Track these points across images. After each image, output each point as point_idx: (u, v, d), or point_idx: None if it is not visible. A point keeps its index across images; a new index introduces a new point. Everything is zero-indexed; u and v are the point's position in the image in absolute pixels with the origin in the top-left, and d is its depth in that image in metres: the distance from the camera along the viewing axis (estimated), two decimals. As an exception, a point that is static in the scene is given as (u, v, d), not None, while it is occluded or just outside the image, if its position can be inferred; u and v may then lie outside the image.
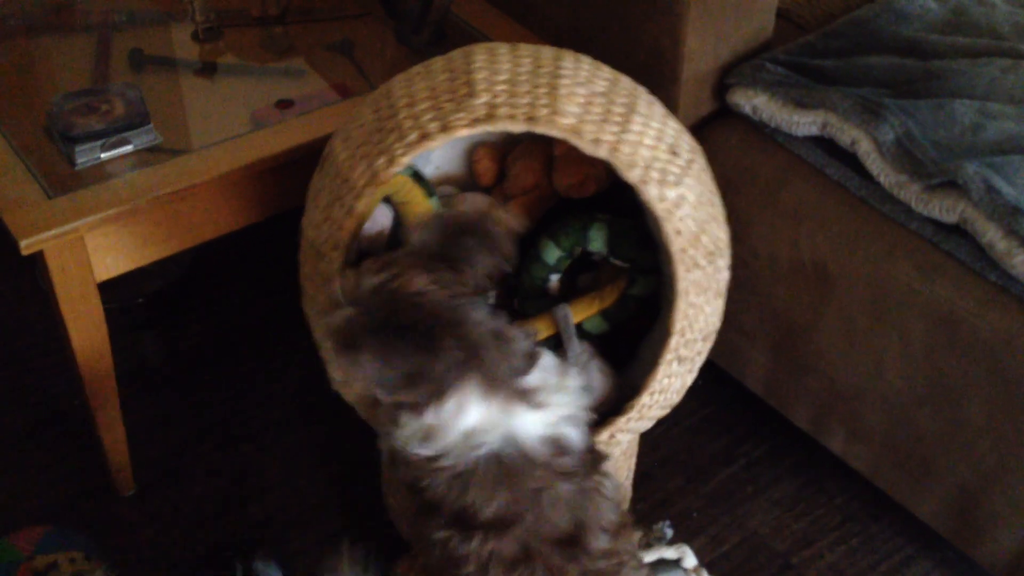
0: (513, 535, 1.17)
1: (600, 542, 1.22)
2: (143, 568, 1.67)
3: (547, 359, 1.21)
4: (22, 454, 1.82)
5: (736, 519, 1.76)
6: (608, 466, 1.27)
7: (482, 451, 1.15)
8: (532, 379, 1.17)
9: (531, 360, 1.18)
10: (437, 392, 1.12)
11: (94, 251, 1.48)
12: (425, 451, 1.16)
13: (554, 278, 1.47)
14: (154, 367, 1.99)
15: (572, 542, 1.20)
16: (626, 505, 1.73)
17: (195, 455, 1.83)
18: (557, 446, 1.19)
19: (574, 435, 1.20)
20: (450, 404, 1.13)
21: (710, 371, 1.74)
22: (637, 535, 1.31)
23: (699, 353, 1.43)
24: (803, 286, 1.61)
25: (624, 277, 1.43)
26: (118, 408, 1.65)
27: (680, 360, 1.38)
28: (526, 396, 1.16)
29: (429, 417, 1.14)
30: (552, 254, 1.43)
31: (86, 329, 1.54)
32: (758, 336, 1.72)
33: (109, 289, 1.55)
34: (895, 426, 1.57)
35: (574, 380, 1.24)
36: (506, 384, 1.15)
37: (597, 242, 1.40)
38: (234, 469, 1.81)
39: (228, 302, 2.11)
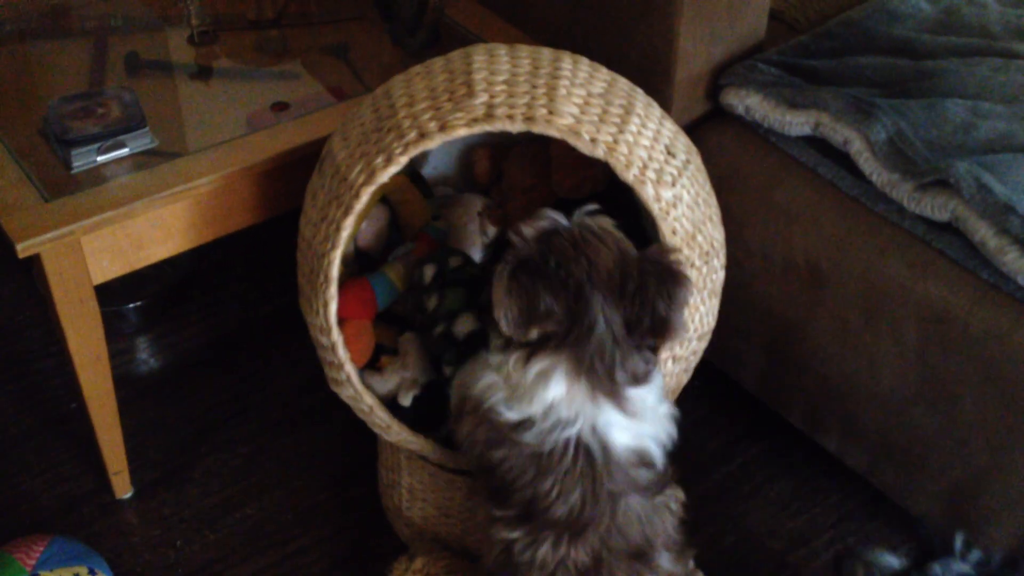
0: (587, 541, 1.16)
1: (664, 561, 1.22)
2: (141, 571, 1.67)
3: (656, 383, 1.21)
4: (20, 457, 1.82)
5: (732, 518, 1.76)
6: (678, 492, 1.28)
7: (568, 433, 1.14)
8: (632, 392, 1.16)
9: (638, 379, 1.17)
10: (529, 346, 1.14)
11: (91, 254, 1.48)
12: (509, 413, 1.16)
13: None
14: (151, 370, 2.00)
15: (640, 558, 1.20)
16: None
17: (192, 457, 1.83)
18: (640, 458, 1.18)
19: (657, 453, 1.20)
20: (535, 366, 1.13)
21: (706, 371, 1.74)
22: (693, 554, 1.31)
23: (694, 353, 1.43)
24: (797, 285, 1.61)
25: None
26: (115, 411, 1.65)
27: (675, 360, 1.39)
28: (620, 400, 1.15)
29: (512, 366, 1.14)
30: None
31: (83, 332, 1.54)
32: (753, 335, 1.72)
33: (106, 292, 1.55)
34: (889, 424, 1.58)
35: (668, 407, 1.23)
36: (600, 378, 1.13)
37: None
38: (232, 471, 1.81)
39: (225, 305, 2.11)
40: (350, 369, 1.37)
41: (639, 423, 1.18)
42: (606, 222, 1.19)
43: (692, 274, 1.34)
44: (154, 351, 2.02)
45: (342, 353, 1.36)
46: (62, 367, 1.93)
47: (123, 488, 1.75)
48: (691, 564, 1.58)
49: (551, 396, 1.14)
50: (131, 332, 2.04)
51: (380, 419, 1.41)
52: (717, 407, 1.92)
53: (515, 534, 1.19)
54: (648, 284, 1.15)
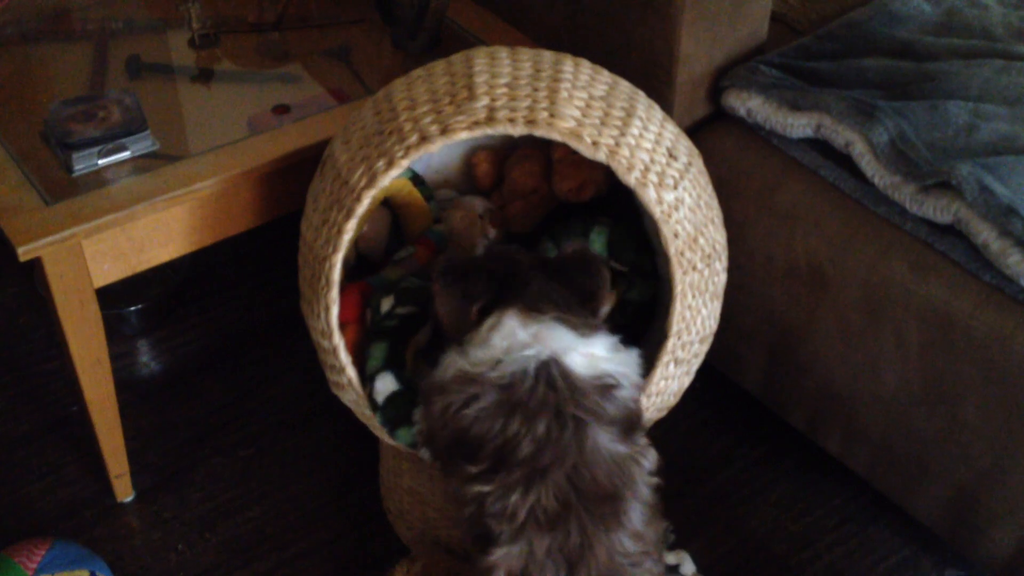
0: (554, 482, 1.16)
1: (635, 519, 1.21)
2: (142, 574, 1.67)
3: (612, 338, 1.26)
4: (21, 460, 1.82)
5: (734, 521, 1.76)
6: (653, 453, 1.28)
7: (528, 360, 1.17)
8: (590, 330, 1.22)
9: (592, 328, 1.22)
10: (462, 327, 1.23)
11: (92, 257, 1.48)
12: (470, 365, 1.20)
13: None
14: (152, 373, 2.00)
15: (611, 507, 1.19)
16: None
17: (194, 461, 1.83)
18: (603, 383, 1.19)
19: (624, 382, 1.21)
20: (486, 323, 1.21)
21: (707, 373, 1.74)
22: (664, 524, 1.30)
23: (696, 355, 1.43)
24: (799, 287, 1.61)
25: (622, 282, 1.44)
26: (116, 414, 1.65)
27: (677, 362, 1.39)
28: (574, 324, 1.20)
29: (467, 339, 1.23)
30: (552, 254, 1.44)
31: (84, 335, 1.54)
32: (754, 338, 1.72)
33: (107, 295, 1.55)
34: (891, 427, 1.58)
35: (633, 353, 1.27)
36: (550, 311, 1.20)
37: (598, 244, 1.41)
38: (233, 474, 1.81)
39: (226, 307, 2.11)
40: (351, 373, 1.37)
41: (596, 348, 1.21)
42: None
43: (694, 277, 1.34)
44: (155, 354, 2.02)
45: (343, 357, 1.36)
46: (63, 370, 1.93)
47: (124, 492, 1.75)
48: (693, 570, 1.58)
49: (506, 332, 1.19)
50: (132, 335, 2.04)
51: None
52: (719, 410, 1.92)
53: (487, 487, 1.18)
54: (567, 267, 1.26)
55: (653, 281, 1.42)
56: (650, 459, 1.24)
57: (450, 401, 1.21)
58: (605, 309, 1.25)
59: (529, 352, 1.18)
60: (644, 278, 1.41)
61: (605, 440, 1.19)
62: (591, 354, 1.20)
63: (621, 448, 1.20)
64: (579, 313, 1.23)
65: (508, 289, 1.23)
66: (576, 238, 1.41)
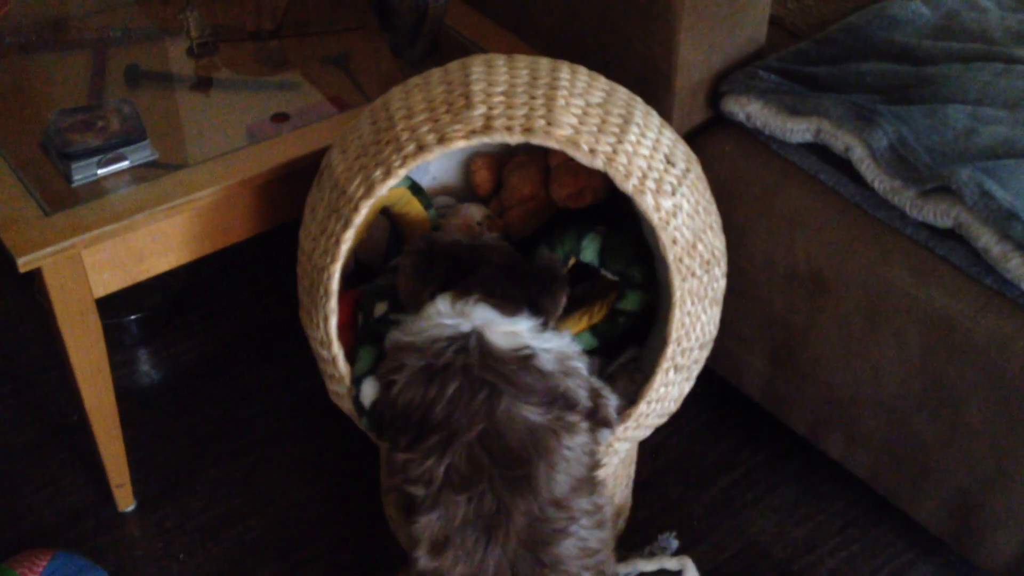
0: (464, 442, 1.21)
1: (552, 488, 1.23)
2: (144, 583, 1.67)
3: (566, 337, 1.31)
4: (22, 470, 1.82)
5: (737, 526, 1.76)
6: (606, 473, 1.30)
7: (448, 330, 1.23)
8: (524, 313, 1.27)
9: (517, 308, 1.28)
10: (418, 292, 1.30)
11: (92, 267, 1.48)
12: (404, 336, 1.27)
13: None
14: (152, 382, 2.00)
15: (522, 471, 1.22)
16: (626, 513, 1.73)
17: (194, 469, 1.83)
18: (521, 356, 1.23)
19: (545, 360, 1.25)
20: (428, 302, 1.28)
21: (708, 378, 1.74)
22: (604, 499, 1.33)
23: (696, 361, 1.43)
24: (799, 292, 1.61)
25: (614, 292, 1.44)
26: (117, 423, 1.65)
27: (677, 369, 1.39)
28: (503, 305, 1.25)
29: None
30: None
31: (84, 345, 1.54)
32: (755, 343, 1.72)
33: (106, 305, 1.55)
34: (893, 431, 1.58)
35: (569, 339, 1.31)
36: (483, 292, 1.26)
37: (589, 252, 1.41)
38: (234, 483, 1.81)
39: (225, 316, 2.11)
40: (350, 382, 1.37)
41: (518, 326, 1.25)
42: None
43: (693, 283, 1.34)
44: (155, 363, 2.02)
45: (342, 366, 1.36)
46: (63, 380, 1.93)
47: (125, 501, 1.75)
48: (694, 572, 1.59)
49: (437, 309, 1.26)
50: (132, 344, 2.04)
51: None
52: (720, 415, 1.92)
53: (409, 454, 1.24)
54: (530, 275, 1.31)
55: (645, 292, 1.42)
56: (579, 437, 1.27)
57: (385, 370, 1.28)
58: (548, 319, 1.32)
59: (450, 322, 1.24)
60: (634, 289, 1.41)
61: (520, 409, 1.23)
62: (512, 331, 1.25)
63: (538, 419, 1.23)
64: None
65: (465, 279, 1.29)
66: (570, 244, 1.41)
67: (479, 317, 1.24)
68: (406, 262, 1.31)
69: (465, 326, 1.24)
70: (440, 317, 1.25)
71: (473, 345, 1.23)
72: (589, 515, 1.28)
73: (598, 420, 1.31)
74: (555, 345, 1.27)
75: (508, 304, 1.26)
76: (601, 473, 1.33)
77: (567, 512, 1.25)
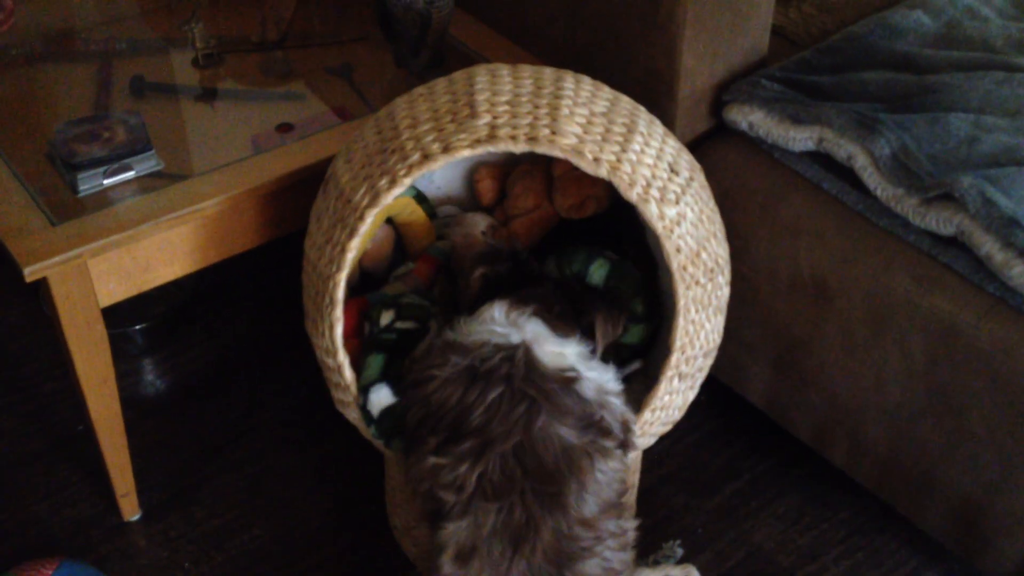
0: (499, 452, 1.21)
1: (582, 508, 1.24)
2: (149, 593, 1.67)
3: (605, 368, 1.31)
4: (28, 479, 1.82)
5: (741, 534, 1.76)
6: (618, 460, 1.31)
7: (498, 340, 1.24)
8: (571, 336, 1.29)
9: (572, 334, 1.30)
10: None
11: (97, 277, 1.49)
12: (452, 335, 1.28)
13: None
14: (157, 391, 2.00)
15: (553, 488, 1.22)
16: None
17: (199, 479, 1.83)
18: (565, 376, 1.25)
19: (586, 385, 1.26)
20: (480, 309, 1.29)
21: (713, 387, 1.74)
22: (632, 523, 1.34)
23: (700, 369, 1.43)
24: (803, 300, 1.61)
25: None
26: (123, 433, 1.65)
27: (681, 377, 1.39)
28: (554, 321, 1.27)
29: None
30: (552, 275, 1.45)
31: (90, 354, 1.54)
32: (759, 351, 1.72)
33: (112, 315, 1.56)
34: (897, 438, 1.58)
35: (612, 374, 1.32)
36: (536, 306, 1.27)
37: (596, 277, 1.41)
38: (239, 492, 1.81)
39: (230, 326, 2.11)
40: (356, 391, 1.37)
41: (568, 348, 1.27)
42: None
43: (697, 291, 1.34)
44: (160, 372, 2.03)
45: (348, 374, 1.36)
46: (69, 390, 1.94)
47: (131, 510, 1.76)
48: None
49: (491, 316, 1.27)
50: (137, 354, 2.04)
51: (387, 439, 1.41)
52: (724, 423, 1.92)
53: (442, 460, 1.23)
54: (592, 303, 1.33)
55: (647, 326, 1.43)
56: (612, 462, 1.28)
57: (425, 364, 1.28)
58: (598, 347, 1.32)
59: (501, 330, 1.25)
60: (636, 323, 1.42)
61: (557, 427, 1.23)
62: (560, 352, 1.26)
63: (574, 440, 1.24)
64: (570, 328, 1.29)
65: (527, 289, 1.31)
66: (579, 265, 1.42)
67: (531, 331, 1.26)
68: (474, 283, 1.34)
69: (515, 337, 1.25)
70: (493, 324, 1.26)
71: (520, 357, 1.24)
72: (615, 537, 1.29)
73: (626, 446, 1.32)
74: (597, 376, 1.29)
75: (562, 323, 1.28)
76: (629, 499, 1.34)
77: (594, 532, 1.26)
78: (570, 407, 1.24)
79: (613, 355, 1.43)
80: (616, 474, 1.28)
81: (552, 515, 1.22)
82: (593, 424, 1.26)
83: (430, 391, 1.26)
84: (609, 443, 1.28)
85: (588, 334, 1.31)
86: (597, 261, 1.41)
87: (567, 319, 1.29)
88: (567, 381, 1.25)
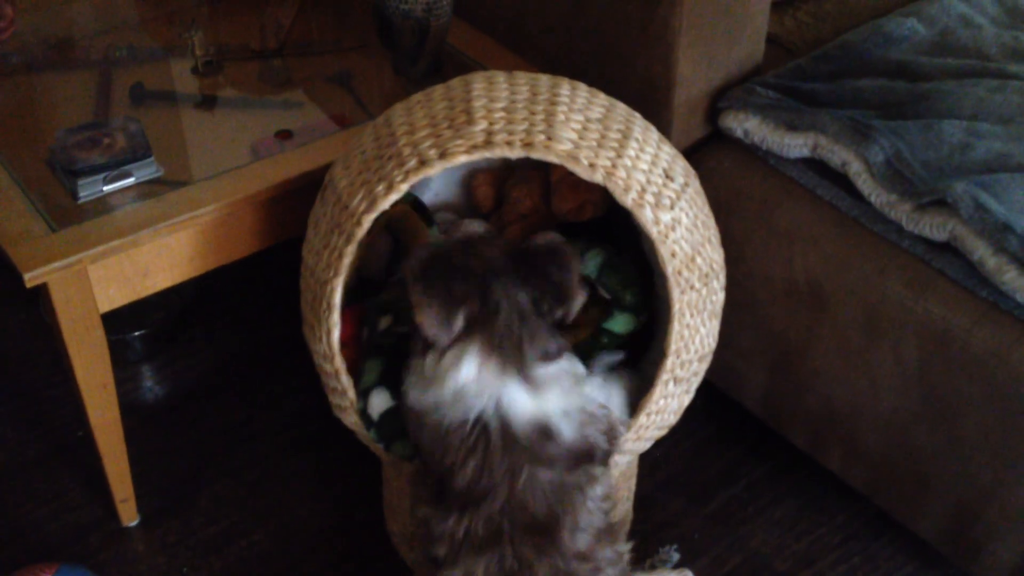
0: (485, 512, 1.20)
1: (576, 543, 1.24)
2: (148, 598, 1.67)
3: (569, 361, 1.26)
4: (27, 485, 1.83)
5: (737, 540, 1.76)
6: (605, 481, 1.29)
7: (469, 411, 1.20)
8: (542, 370, 1.22)
9: (548, 356, 1.23)
10: (446, 336, 1.21)
11: (97, 283, 1.49)
12: (424, 399, 1.23)
13: None
14: (156, 397, 2.01)
15: (545, 534, 1.22)
16: (627, 527, 1.73)
17: (198, 484, 1.83)
18: (543, 432, 1.22)
19: (565, 428, 1.23)
20: (448, 356, 1.20)
21: (709, 392, 1.75)
22: (626, 547, 1.33)
23: (695, 374, 1.44)
24: (798, 306, 1.62)
25: (604, 312, 1.45)
26: (122, 439, 1.66)
27: (676, 381, 1.40)
28: (527, 377, 1.21)
29: (429, 361, 1.22)
30: None
31: (90, 360, 1.55)
32: (755, 356, 1.73)
33: (111, 321, 1.56)
34: (891, 444, 1.58)
35: (598, 391, 1.30)
36: (508, 355, 1.20)
37: (591, 265, 1.42)
38: (237, 498, 1.81)
39: (229, 332, 2.12)
40: (353, 396, 1.38)
41: (543, 397, 1.22)
42: (477, 227, 1.31)
43: (692, 295, 1.35)
44: (159, 379, 2.03)
45: (345, 379, 1.37)
46: (68, 396, 1.94)
47: (129, 516, 1.76)
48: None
49: (462, 378, 1.20)
50: (136, 360, 2.05)
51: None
52: (720, 428, 1.93)
53: (431, 510, 1.24)
54: (538, 259, 1.24)
55: (634, 318, 1.43)
56: (600, 487, 1.27)
57: (412, 431, 1.27)
58: (576, 303, 1.25)
59: (474, 406, 1.21)
60: (622, 310, 1.42)
61: (544, 476, 1.22)
62: (537, 407, 1.22)
63: (563, 478, 1.23)
64: (545, 336, 1.23)
65: (481, 300, 1.22)
66: None
67: (505, 393, 1.21)
68: (415, 293, 1.21)
69: (489, 404, 1.21)
70: (464, 388, 1.20)
71: (494, 428, 1.20)
72: (613, 564, 1.28)
73: (610, 454, 1.31)
74: (576, 406, 1.25)
75: (537, 343, 1.22)
76: (616, 516, 1.33)
77: (592, 563, 1.25)
78: (554, 454, 1.22)
79: (594, 340, 1.44)
80: (602, 496, 1.28)
81: (547, 556, 1.22)
82: (580, 457, 1.25)
83: (420, 448, 1.25)
84: (597, 469, 1.27)
85: (555, 297, 1.24)
86: (593, 250, 1.42)
87: (536, 333, 1.22)
88: (545, 437, 1.22)
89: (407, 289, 1.22)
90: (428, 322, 1.20)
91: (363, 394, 1.37)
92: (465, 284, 1.21)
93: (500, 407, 1.20)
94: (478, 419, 1.20)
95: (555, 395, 1.23)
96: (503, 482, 1.21)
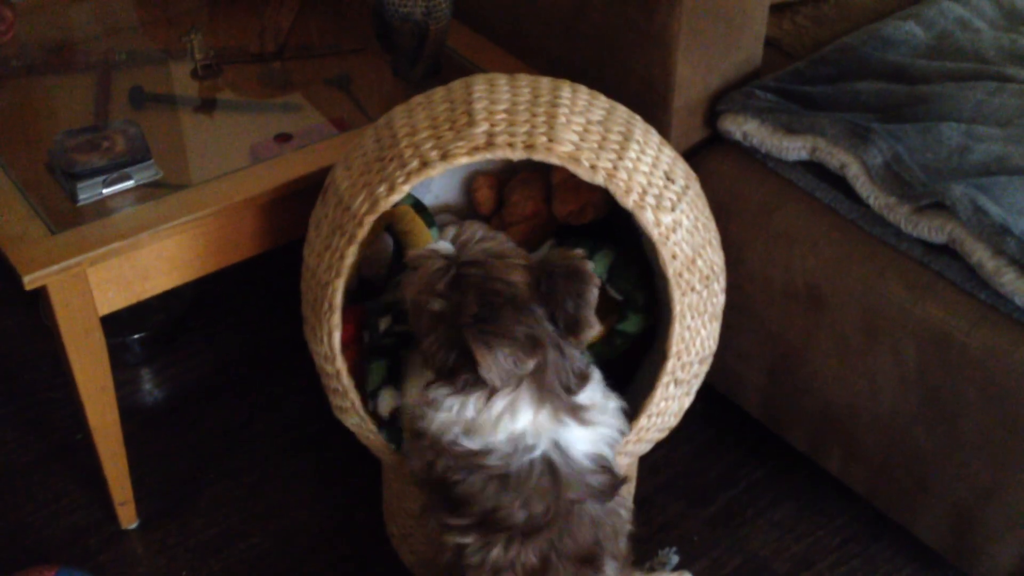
0: (537, 544, 1.19)
1: (611, 571, 1.24)
2: (147, 601, 1.67)
3: (596, 378, 1.25)
4: (26, 488, 1.83)
5: (737, 542, 1.76)
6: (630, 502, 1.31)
7: (535, 455, 1.18)
8: (583, 397, 1.21)
9: (583, 379, 1.21)
10: (486, 385, 1.15)
11: (97, 285, 1.49)
12: (471, 444, 1.18)
13: None
14: (156, 400, 2.00)
15: (589, 563, 1.22)
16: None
17: (197, 487, 1.83)
18: (599, 464, 1.22)
19: (611, 456, 1.24)
20: (499, 403, 1.16)
21: (709, 395, 1.75)
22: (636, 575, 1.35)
23: (696, 376, 1.44)
24: (797, 308, 1.62)
25: (616, 313, 1.45)
26: (121, 441, 1.66)
27: (677, 383, 1.40)
28: (577, 412, 1.20)
29: (474, 403, 1.17)
30: None
31: (89, 363, 1.55)
32: (754, 359, 1.73)
33: (110, 324, 1.56)
34: (890, 445, 1.59)
35: (615, 401, 1.28)
36: (559, 396, 1.18)
37: (600, 267, 1.42)
38: (237, 500, 1.81)
39: (228, 334, 2.12)
40: (354, 396, 1.38)
41: (596, 429, 1.22)
42: (491, 238, 1.23)
43: (693, 298, 1.35)
44: (158, 381, 2.03)
45: (346, 380, 1.37)
46: (68, 398, 1.94)
47: (129, 518, 1.76)
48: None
49: (518, 427, 1.17)
50: (135, 363, 2.05)
51: (384, 445, 1.42)
52: (720, 431, 1.93)
53: (468, 539, 1.21)
54: (557, 284, 1.18)
55: (646, 316, 1.44)
56: (626, 512, 1.28)
57: (435, 466, 1.21)
58: (589, 336, 1.22)
59: (532, 443, 1.18)
60: (636, 312, 1.43)
61: (594, 508, 1.23)
62: (592, 439, 1.22)
63: (603, 506, 1.24)
64: (574, 355, 1.21)
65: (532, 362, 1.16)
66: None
67: (562, 434, 1.19)
68: (480, 350, 1.12)
69: (548, 446, 1.18)
70: (521, 439, 1.17)
71: (560, 467, 1.18)
72: None
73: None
74: (617, 430, 1.24)
75: (575, 371, 1.20)
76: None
77: None
78: (604, 485, 1.23)
79: (608, 343, 1.44)
80: (629, 516, 1.30)
81: None
82: (617, 485, 1.25)
83: (450, 483, 1.20)
84: (620, 496, 1.27)
85: (569, 327, 1.19)
86: (601, 251, 1.42)
87: (572, 364, 1.19)
88: (602, 470, 1.22)
89: (457, 328, 1.15)
90: (495, 369, 1.12)
91: (371, 395, 1.37)
92: (529, 327, 1.15)
93: (560, 447, 1.19)
94: (543, 461, 1.18)
95: (604, 426, 1.23)
96: (563, 518, 1.20)
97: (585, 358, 1.25)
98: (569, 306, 1.18)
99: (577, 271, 1.19)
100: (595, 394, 1.24)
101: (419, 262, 1.19)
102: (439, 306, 1.16)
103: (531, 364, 1.14)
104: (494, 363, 1.12)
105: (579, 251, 1.23)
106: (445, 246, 1.20)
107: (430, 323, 1.18)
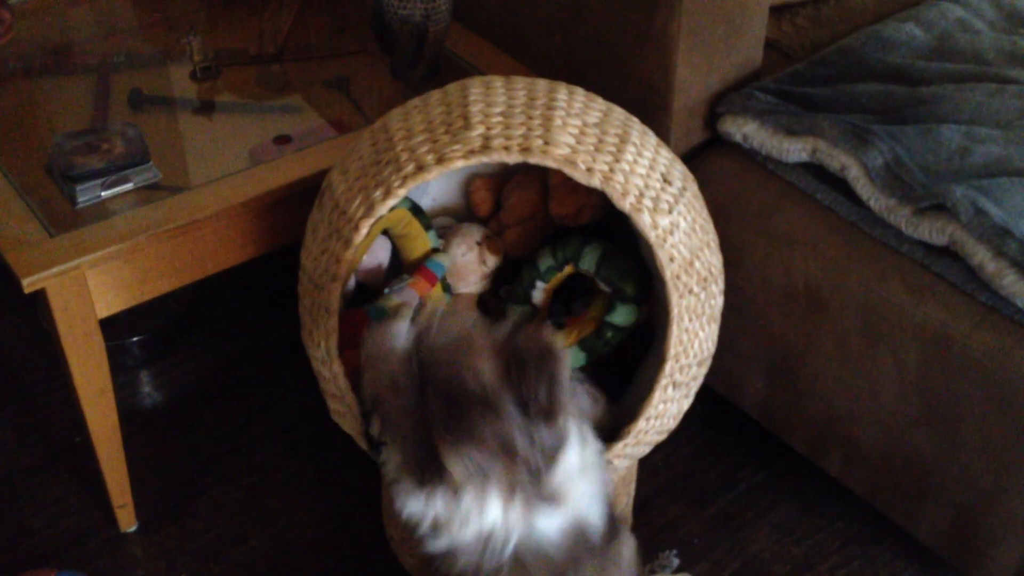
0: None
1: None
2: (146, 604, 1.67)
3: (571, 436, 1.13)
4: (25, 491, 1.83)
5: (737, 544, 1.76)
6: (608, 490, 1.27)
7: (506, 553, 1.10)
8: (559, 470, 1.11)
9: (555, 453, 1.10)
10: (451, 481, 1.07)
11: (96, 288, 1.49)
12: (439, 544, 1.12)
13: (540, 286, 1.50)
14: (155, 403, 2.00)
15: None
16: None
17: (197, 490, 1.83)
18: (581, 528, 1.14)
19: (595, 515, 1.15)
20: (467, 497, 1.08)
21: (708, 397, 1.75)
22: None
23: (694, 378, 1.44)
24: (797, 310, 1.62)
25: (603, 304, 1.45)
26: (120, 444, 1.65)
27: (675, 385, 1.40)
28: (551, 495, 1.11)
29: (438, 506, 1.10)
30: (545, 262, 1.47)
31: (88, 366, 1.55)
32: (754, 361, 1.73)
33: (109, 327, 1.56)
34: (891, 448, 1.58)
35: (593, 452, 1.17)
36: (529, 485, 1.09)
37: (588, 260, 1.43)
38: (235, 503, 1.81)
39: (227, 337, 2.12)
40: (351, 400, 1.38)
41: (572, 503, 1.13)
42: (452, 313, 1.16)
43: (690, 300, 1.35)
44: (157, 384, 2.03)
45: (343, 384, 1.37)
46: (67, 401, 1.94)
47: (128, 522, 1.76)
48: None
49: (487, 524, 1.09)
50: (134, 366, 2.05)
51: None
52: (719, 433, 1.93)
53: None
54: (528, 372, 1.09)
55: (636, 308, 1.44)
56: (627, 556, 1.22)
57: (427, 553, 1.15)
58: (561, 421, 1.11)
59: (504, 537, 1.10)
60: (625, 303, 1.43)
61: (587, 562, 1.15)
62: (569, 514, 1.13)
63: (602, 560, 1.17)
64: (542, 432, 1.10)
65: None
66: (571, 250, 1.43)
67: (538, 524, 1.11)
68: (446, 446, 1.06)
69: (521, 536, 1.11)
70: (492, 536, 1.10)
71: (535, 553, 1.11)
72: None
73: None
74: (598, 485, 1.16)
75: (546, 453, 1.10)
76: None
77: None
78: (594, 539, 1.15)
79: (599, 336, 1.44)
80: (631, 554, 1.25)
81: None
82: (612, 528, 1.19)
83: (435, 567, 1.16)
84: (623, 530, 1.24)
85: (541, 414, 1.09)
86: (590, 245, 1.43)
87: (543, 449, 1.09)
88: (587, 530, 1.14)
89: (423, 426, 1.07)
90: (462, 471, 1.06)
91: (365, 416, 1.36)
92: (498, 429, 1.06)
93: (534, 536, 1.11)
94: (513, 557, 1.10)
95: (581, 492, 1.14)
96: None
97: (559, 431, 1.12)
98: (542, 395, 1.08)
99: (547, 353, 1.10)
100: (572, 460, 1.13)
101: (377, 354, 1.12)
102: (403, 403, 1.10)
103: (499, 464, 1.07)
104: (462, 466, 1.06)
105: (547, 327, 1.18)
106: (404, 332, 1.12)
107: (397, 418, 1.11)
